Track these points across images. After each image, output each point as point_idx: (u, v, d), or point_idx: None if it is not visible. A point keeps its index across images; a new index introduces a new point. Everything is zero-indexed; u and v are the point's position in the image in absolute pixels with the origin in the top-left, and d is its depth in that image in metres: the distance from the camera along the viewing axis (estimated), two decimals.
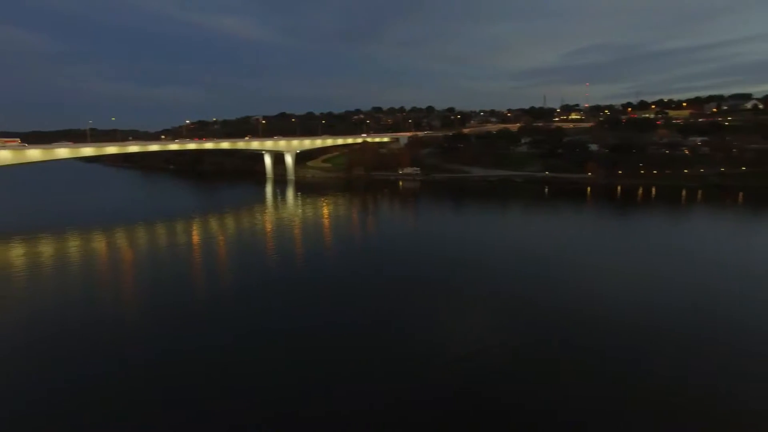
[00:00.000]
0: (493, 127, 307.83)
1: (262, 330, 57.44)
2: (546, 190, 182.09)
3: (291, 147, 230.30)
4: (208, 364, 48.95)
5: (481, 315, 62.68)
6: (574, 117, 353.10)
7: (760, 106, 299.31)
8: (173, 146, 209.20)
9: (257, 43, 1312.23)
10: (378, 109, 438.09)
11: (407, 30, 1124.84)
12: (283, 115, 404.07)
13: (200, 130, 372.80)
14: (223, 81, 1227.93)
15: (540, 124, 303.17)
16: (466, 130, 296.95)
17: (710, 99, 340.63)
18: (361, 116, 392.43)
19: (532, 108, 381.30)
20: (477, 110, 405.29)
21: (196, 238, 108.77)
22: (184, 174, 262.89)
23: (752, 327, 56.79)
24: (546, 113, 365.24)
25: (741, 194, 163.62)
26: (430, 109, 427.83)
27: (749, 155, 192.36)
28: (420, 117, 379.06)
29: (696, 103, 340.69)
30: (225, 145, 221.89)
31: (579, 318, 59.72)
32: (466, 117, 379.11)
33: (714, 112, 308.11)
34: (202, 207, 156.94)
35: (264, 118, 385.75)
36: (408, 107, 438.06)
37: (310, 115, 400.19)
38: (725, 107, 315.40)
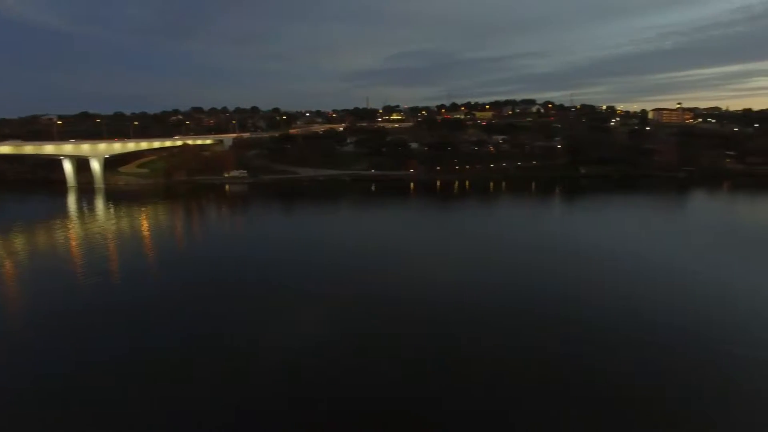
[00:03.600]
0: (320, 128, 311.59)
1: (81, 358, 48.84)
2: (373, 187, 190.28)
3: (97, 151, 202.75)
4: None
5: (315, 311, 62.03)
6: (395, 117, 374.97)
7: (542, 111, 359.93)
8: None
9: (50, 32, 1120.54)
10: (199, 110, 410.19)
11: (230, 26, 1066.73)
12: (85, 115, 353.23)
13: None
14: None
15: (364, 124, 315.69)
16: (292, 131, 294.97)
17: (507, 103, 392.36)
18: (180, 117, 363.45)
19: (357, 108, 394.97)
20: (303, 111, 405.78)
21: None
22: None
23: (573, 297, 66.44)
24: (369, 114, 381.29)
25: (533, 184, 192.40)
26: (255, 109, 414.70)
27: (537, 151, 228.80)
28: (245, 118, 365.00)
29: (496, 106, 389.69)
30: (6, 149, 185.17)
31: (412, 305, 63.06)
32: (293, 118, 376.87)
33: (510, 114, 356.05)
34: None
35: (60, 117, 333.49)
36: (231, 107, 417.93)
37: (119, 116, 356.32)
38: (518, 110, 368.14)
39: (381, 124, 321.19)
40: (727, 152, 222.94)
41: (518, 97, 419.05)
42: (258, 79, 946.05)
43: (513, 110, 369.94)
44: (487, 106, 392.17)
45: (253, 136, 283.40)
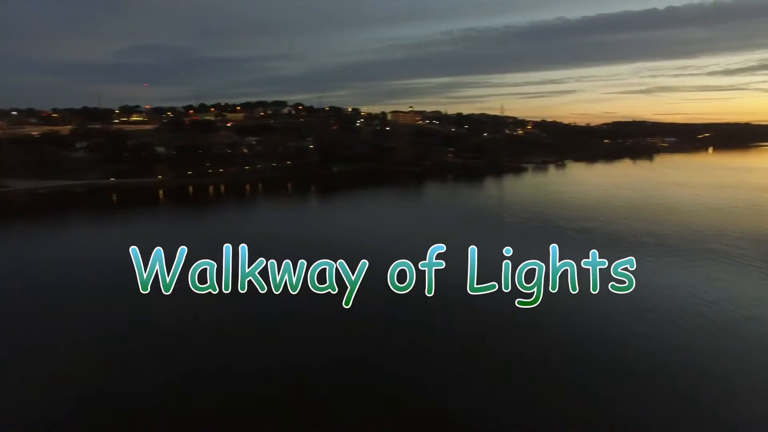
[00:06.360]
0: (35, 130, 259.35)
1: None
2: (114, 198, 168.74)
3: None
4: None
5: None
6: (136, 119, 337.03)
7: (293, 112, 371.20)
8: None
9: None
10: None
11: None
12: None
13: None
14: None
15: (98, 127, 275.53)
16: None
17: (258, 104, 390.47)
18: None
19: (86, 108, 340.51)
20: (7, 109, 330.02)
21: None
22: None
23: None
24: (103, 114, 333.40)
25: (289, 184, 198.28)
26: None
27: (291, 151, 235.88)
28: None
29: (248, 107, 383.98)
30: None
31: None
32: None
33: (262, 115, 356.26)
34: None
35: None
36: None
37: None
38: (270, 111, 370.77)
39: (119, 126, 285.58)
40: (449, 149, 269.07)
41: (269, 98, 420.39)
42: None
43: (265, 111, 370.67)
44: (238, 108, 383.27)
45: None
